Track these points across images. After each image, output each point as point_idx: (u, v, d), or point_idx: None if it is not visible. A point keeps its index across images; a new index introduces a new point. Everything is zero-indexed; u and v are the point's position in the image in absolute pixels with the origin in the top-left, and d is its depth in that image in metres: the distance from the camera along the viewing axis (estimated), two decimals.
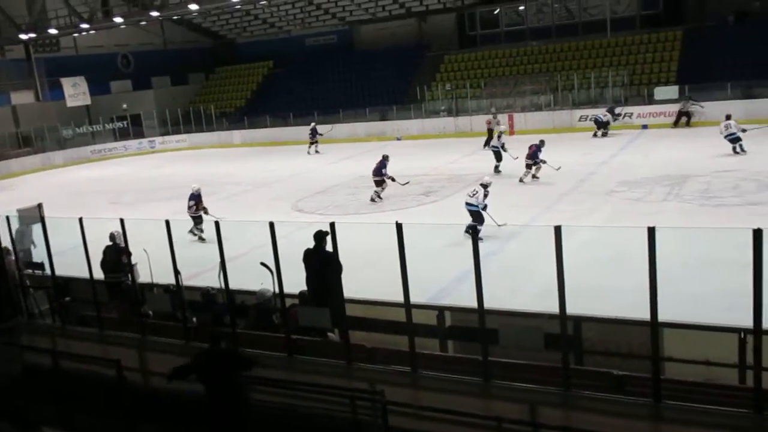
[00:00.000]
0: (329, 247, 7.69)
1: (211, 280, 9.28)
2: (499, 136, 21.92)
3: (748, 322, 5.74)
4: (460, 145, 29.26)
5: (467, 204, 14.58)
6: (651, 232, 5.60)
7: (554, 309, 6.32)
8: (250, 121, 39.34)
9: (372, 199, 19.08)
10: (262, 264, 7.99)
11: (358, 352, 7.53)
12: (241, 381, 6.45)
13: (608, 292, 9.75)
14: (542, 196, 17.79)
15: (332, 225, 7.22)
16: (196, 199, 16.51)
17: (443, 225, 14.59)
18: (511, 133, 29.71)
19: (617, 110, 28.56)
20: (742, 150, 20.33)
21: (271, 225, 7.48)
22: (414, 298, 7.13)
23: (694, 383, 6.46)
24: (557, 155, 21.79)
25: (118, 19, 33.85)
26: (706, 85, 28.29)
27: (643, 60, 32.33)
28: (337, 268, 7.79)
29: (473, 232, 13.66)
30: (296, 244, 8.86)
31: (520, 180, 19.52)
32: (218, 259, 8.08)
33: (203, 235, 15.95)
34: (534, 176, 19.56)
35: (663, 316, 6.26)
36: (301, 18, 43.16)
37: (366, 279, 9.86)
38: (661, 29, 33.32)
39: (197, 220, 16.30)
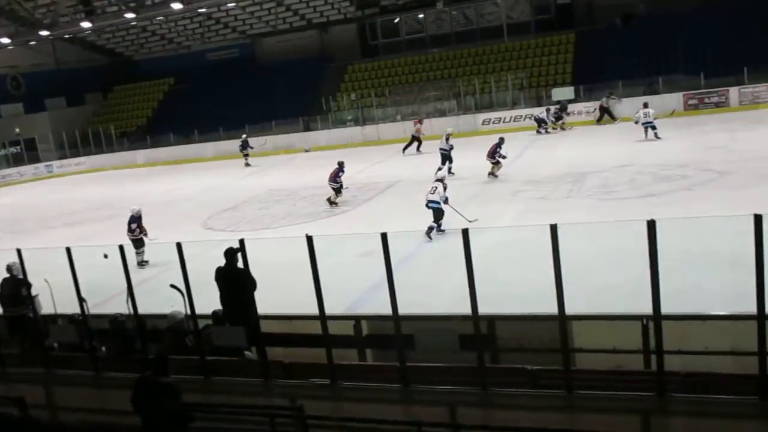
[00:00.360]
0: (241, 264, 7.58)
1: (119, 306, 8.96)
2: (447, 138, 21.96)
3: (649, 308, 6.02)
4: (368, 153, 29.46)
5: (429, 202, 14.59)
6: (553, 229, 5.78)
7: (468, 310, 6.44)
8: (153, 140, 38.35)
9: (331, 202, 19.21)
10: (172, 286, 7.78)
11: (275, 368, 7.44)
12: (179, 409, 6.16)
13: (520, 289, 9.99)
14: (451, 199, 18.05)
15: (242, 242, 7.12)
16: (137, 221, 15.59)
17: (356, 234, 14.61)
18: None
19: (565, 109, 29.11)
20: (657, 137, 21.47)
21: (179, 245, 7.30)
22: (331, 310, 7.11)
23: (604, 371, 6.71)
24: (463, 160, 22.38)
25: (5, 40, 32.36)
26: (599, 84, 29.64)
27: (539, 63, 33.55)
28: (250, 284, 7.67)
29: (430, 231, 14.20)
30: (207, 263, 8.67)
31: (491, 174, 19.86)
32: (125, 285, 7.81)
33: (146, 258, 15.30)
34: (493, 174, 19.86)
35: (571, 309, 6.49)
36: (200, 33, 42.47)
37: (281, 293, 9.74)
38: (554, 33, 34.71)
39: (138, 244, 15.39)
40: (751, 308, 5.64)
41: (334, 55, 39.92)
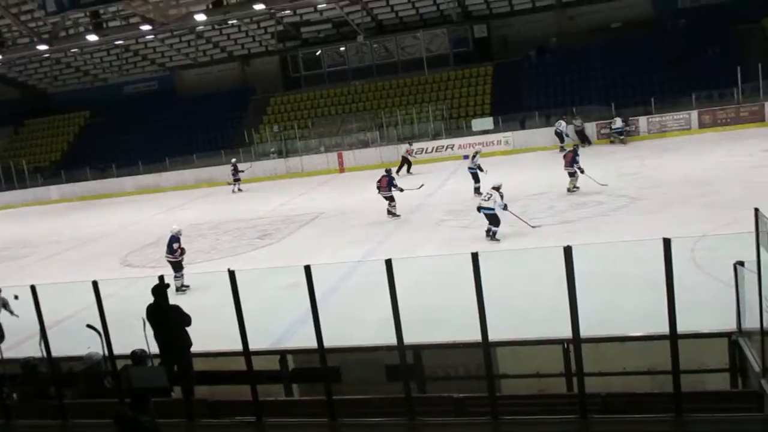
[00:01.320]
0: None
1: (31, 349, 8.56)
2: (474, 157, 21.66)
3: (569, 332, 6.18)
4: (291, 185, 29.37)
5: (482, 208, 15.49)
6: (474, 257, 5.88)
7: (394, 340, 6.45)
8: (68, 175, 37.11)
9: (391, 213, 19.27)
10: (89, 326, 7.50)
11: (200, 407, 7.24)
12: None
13: (445, 316, 10.08)
14: (377, 230, 18.18)
15: (161, 278, 6.95)
16: (179, 241, 14.64)
17: (281, 267, 14.47)
18: (342, 170, 30.31)
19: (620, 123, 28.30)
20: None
21: (95, 284, 7.06)
22: (257, 345, 6.99)
23: (528, 396, 6.83)
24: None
25: None
26: (517, 115, 30.59)
27: (459, 94, 34.37)
28: (182, 321, 7.49)
29: (492, 235, 15.39)
30: (127, 301, 8.41)
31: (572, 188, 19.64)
32: (38, 326, 7.48)
33: (186, 283, 14.52)
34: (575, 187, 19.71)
35: (495, 335, 6.60)
36: (118, 65, 41.61)
37: (207, 330, 9.53)
38: (473, 65, 35.64)
39: (177, 267, 14.51)
40: (665, 328, 5.87)
41: (256, 87, 39.81)
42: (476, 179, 20.95)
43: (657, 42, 32.37)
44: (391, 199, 19.22)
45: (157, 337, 8.36)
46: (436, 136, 31.98)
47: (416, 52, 37.55)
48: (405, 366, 6.59)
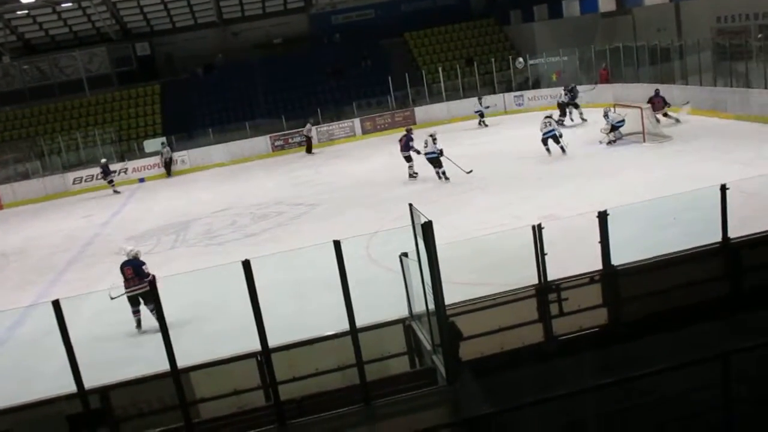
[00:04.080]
0: None
1: None
2: (434, 141, 18.70)
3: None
4: None
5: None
6: (152, 284, 5.62)
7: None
8: None
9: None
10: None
11: None
12: None
13: (132, 352, 9.54)
14: (45, 269, 16.50)
15: None
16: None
17: None
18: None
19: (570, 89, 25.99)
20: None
21: None
22: None
23: (227, 416, 6.73)
24: (52, 223, 20.79)
25: None
26: (190, 132, 30.10)
27: (127, 115, 32.77)
28: None
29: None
30: None
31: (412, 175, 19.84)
32: None
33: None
34: (413, 174, 19.90)
35: (186, 360, 6.37)
36: None
37: None
38: (138, 84, 34.24)
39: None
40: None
41: None
42: (438, 164, 18.75)
43: (317, 56, 34.67)
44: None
45: None
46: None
47: (74, 72, 34.91)
48: (91, 412, 6.08)
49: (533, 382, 6.98)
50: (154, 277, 10.65)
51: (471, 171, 18.54)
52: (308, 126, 29.40)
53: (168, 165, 28.64)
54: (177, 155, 29.16)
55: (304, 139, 29.35)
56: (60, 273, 15.95)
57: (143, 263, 11.21)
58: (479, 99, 28.89)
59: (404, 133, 20.66)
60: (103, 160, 27.26)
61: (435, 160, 18.54)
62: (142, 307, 10.84)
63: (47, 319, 8.84)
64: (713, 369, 6.61)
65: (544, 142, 19.63)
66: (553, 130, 19.65)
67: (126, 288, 10.73)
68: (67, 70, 35.15)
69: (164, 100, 33.37)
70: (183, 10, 35.40)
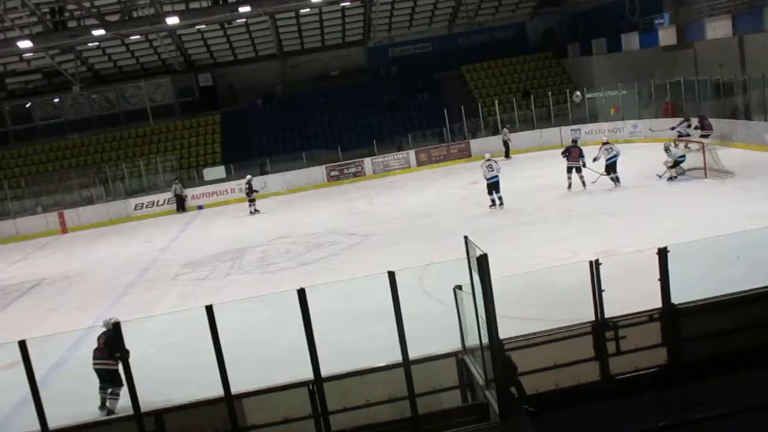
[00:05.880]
0: None
1: None
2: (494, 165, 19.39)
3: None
4: (5, 252, 26.29)
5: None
6: (209, 310, 5.71)
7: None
8: None
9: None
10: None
11: None
12: None
13: (185, 374, 9.66)
14: (106, 290, 16.94)
15: None
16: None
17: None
18: (64, 231, 28.01)
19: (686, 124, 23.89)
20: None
21: None
22: None
23: None
24: (113, 247, 21.38)
25: None
26: (249, 162, 30.64)
27: (188, 144, 33.65)
28: None
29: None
30: None
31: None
32: None
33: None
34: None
35: (239, 386, 6.42)
36: None
37: None
38: (200, 114, 35.17)
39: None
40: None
41: None
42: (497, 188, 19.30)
43: (373, 88, 35.15)
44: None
45: None
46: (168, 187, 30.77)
47: (139, 102, 36.12)
48: None
49: (588, 422, 6.81)
50: (128, 353, 7.65)
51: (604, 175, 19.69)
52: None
53: (181, 201, 28.96)
54: (235, 184, 29.70)
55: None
56: (118, 296, 16.34)
57: (120, 336, 7.96)
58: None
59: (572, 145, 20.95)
60: (249, 176, 26.60)
61: (496, 184, 19.06)
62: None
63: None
64: None
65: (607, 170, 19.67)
66: (615, 155, 19.65)
67: (94, 359, 9.81)
68: (133, 100, 36.37)
69: (224, 130, 34.16)
70: (245, 42, 36.34)
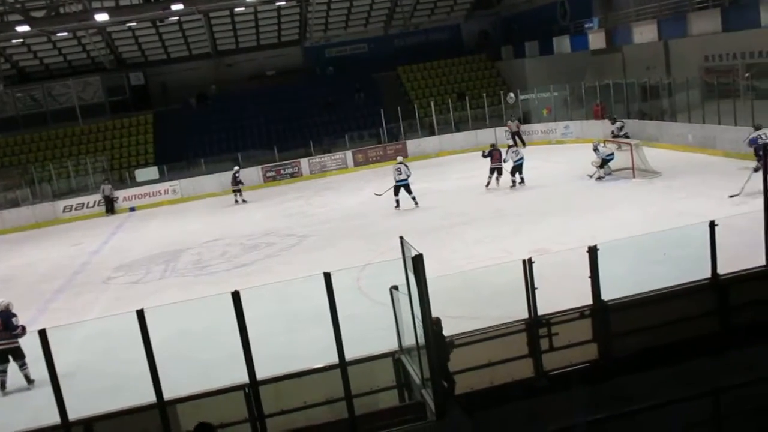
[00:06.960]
0: None
1: None
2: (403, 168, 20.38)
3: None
4: None
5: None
6: (140, 314, 5.59)
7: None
8: None
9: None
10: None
11: None
12: None
13: (117, 382, 9.40)
14: (32, 296, 16.34)
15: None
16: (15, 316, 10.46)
17: None
18: None
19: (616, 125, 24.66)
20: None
21: None
22: None
23: None
24: (40, 251, 20.63)
25: None
26: (182, 162, 30.06)
27: (119, 144, 32.81)
28: None
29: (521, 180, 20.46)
30: None
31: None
32: None
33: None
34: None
35: (175, 391, 6.28)
36: None
37: None
38: (131, 114, 34.34)
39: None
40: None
41: None
42: (408, 190, 20.32)
43: (310, 88, 35.01)
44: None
45: None
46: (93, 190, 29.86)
47: (68, 101, 34.98)
48: None
49: (523, 418, 6.93)
50: (24, 329, 10.24)
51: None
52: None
53: (110, 202, 28.25)
54: (169, 185, 29.12)
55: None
56: (46, 302, 15.79)
57: (14, 315, 10.39)
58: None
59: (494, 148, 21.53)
60: (236, 167, 27.01)
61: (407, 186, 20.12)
62: (12, 365, 10.25)
63: (34, 349, 8.74)
64: (703, 405, 6.59)
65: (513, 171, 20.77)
66: (521, 158, 20.86)
67: None
68: (61, 99, 35.22)
69: (157, 130, 33.43)
70: (178, 41, 35.65)
